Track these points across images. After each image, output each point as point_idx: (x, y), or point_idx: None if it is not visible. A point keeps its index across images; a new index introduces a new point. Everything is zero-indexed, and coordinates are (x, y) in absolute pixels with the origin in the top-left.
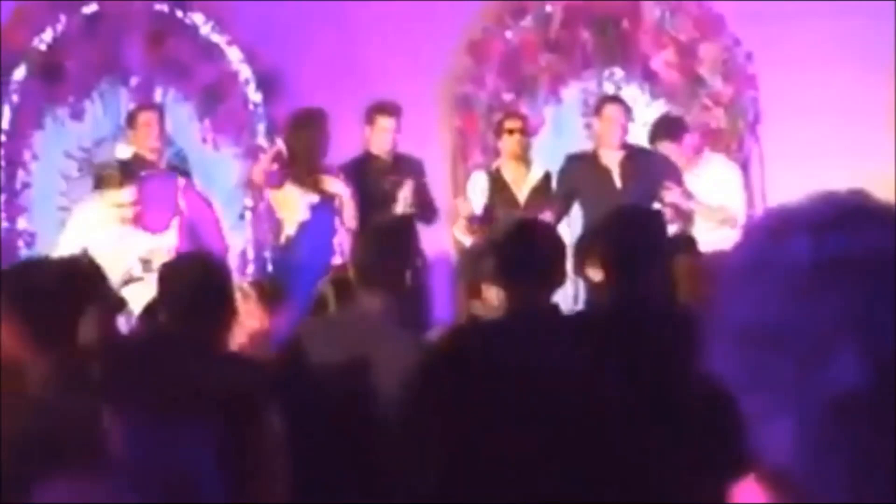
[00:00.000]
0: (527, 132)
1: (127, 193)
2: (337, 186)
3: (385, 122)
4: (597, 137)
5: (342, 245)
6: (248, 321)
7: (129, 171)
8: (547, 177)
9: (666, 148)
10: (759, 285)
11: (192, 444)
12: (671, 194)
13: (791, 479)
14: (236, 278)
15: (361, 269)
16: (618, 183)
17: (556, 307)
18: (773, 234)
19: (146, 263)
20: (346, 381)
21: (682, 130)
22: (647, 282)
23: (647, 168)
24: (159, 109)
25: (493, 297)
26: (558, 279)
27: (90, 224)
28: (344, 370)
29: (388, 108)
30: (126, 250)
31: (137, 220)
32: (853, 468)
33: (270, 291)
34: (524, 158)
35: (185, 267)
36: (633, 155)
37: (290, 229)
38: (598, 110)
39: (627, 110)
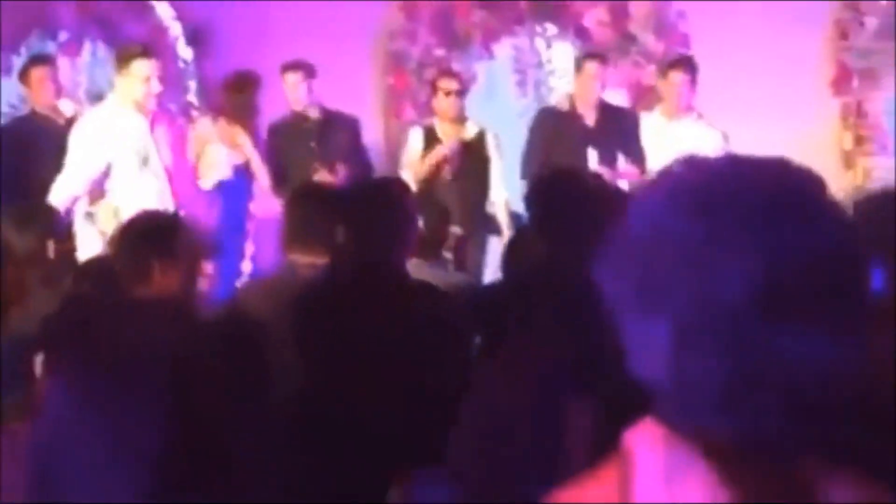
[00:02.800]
0: (463, 93)
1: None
2: (248, 149)
3: (289, 78)
4: (573, 95)
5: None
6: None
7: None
8: (481, 134)
9: (674, 79)
10: (662, 203)
11: (134, 411)
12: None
13: (663, 392)
14: None
15: (293, 230)
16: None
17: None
18: (685, 163)
19: (89, 216)
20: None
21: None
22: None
23: (620, 126)
24: (51, 62)
25: None
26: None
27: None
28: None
29: (290, 65)
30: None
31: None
32: (718, 387)
33: (207, 242)
34: (460, 118)
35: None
36: (606, 112)
37: (206, 184)
38: (577, 67)
39: (606, 66)
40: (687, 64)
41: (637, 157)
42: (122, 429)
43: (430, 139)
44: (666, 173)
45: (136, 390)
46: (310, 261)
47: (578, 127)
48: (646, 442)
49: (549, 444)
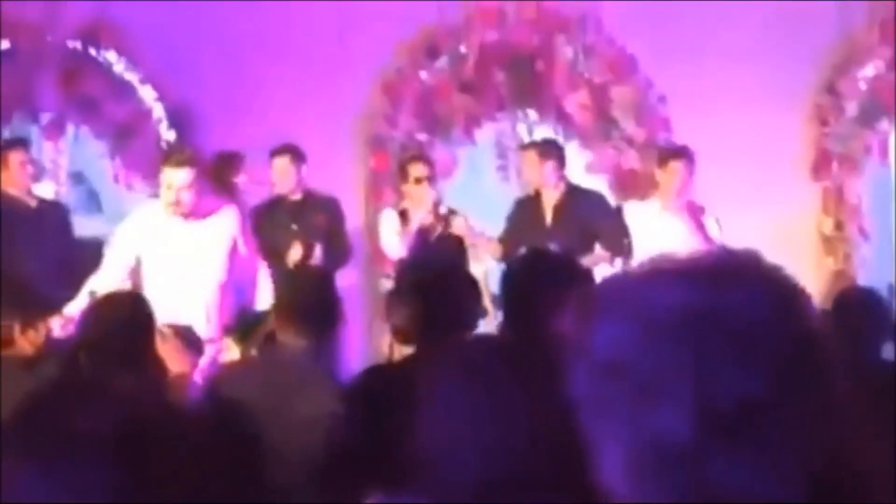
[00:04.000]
0: (432, 179)
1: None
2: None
3: (277, 163)
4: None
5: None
6: (169, 364)
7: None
8: (451, 216)
9: (674, 169)
10: (616, 321)
11: (84, 491)
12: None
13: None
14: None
15: (283, 312)
16: (549, 222)
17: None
18: (643, 278)
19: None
20: (264, 421)
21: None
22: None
23: (584, 206)
24: (28, 146)
25: None
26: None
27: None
28: (263, 411)
29: (279, 149)
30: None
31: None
32: None
33: (189, 335)
34: (432, 204)
35: (109, 307)
36: (570, 194)
37: None
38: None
39: (557, 150)
40: (686, 154)
41: (608, 239)
42: None
43: (405, 222)
44: (626, 287)
45: (91, 473)
46: (299, 342)
47: (539, 210)
48: None
49: None
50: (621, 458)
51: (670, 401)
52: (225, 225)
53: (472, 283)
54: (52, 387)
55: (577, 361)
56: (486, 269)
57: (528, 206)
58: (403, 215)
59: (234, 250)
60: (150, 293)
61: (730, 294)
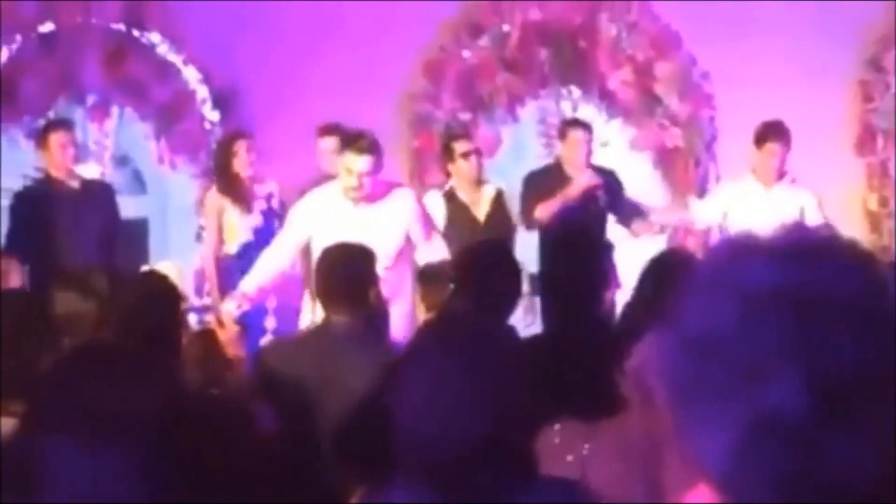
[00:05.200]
0: (481, 152)
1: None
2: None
3: (324, 144)
4: (563, 161)
5: None
6: (229, 349)
7: (41, 193)
8: (500, 193)
9: (772, 149)
10: (716, 300)
11: (119, 471)
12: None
13: (720, 486)
14: (194, 298)
15: (325, 288)
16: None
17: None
18: (737, 254)
19: None
20: (316, 395)
21: (578, 128)
22: None
23: (610, 187)
24: (71, 127)
25: None
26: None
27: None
28: (314, 386)
29: (326, 129)
30: None
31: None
32: (775, 487)
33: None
34: (478, 179)
35: (135, 285)
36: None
37: (230, 248)
38: (561, 135)
39: (590, 132)
40: (783, 132)
41: (623, 214)
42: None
43: (453, 203)
44: (717, 264)
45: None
46: (346, 319)
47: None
48: None
49: None
50: (727, 437)
51: (783, 377)
52: (400, 210)
53: (514, 269)
54: (87, 361)
55: (670, 342)
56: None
57: (552, 177)
58: (450, 195)
59: (408, 237)
60: None
61: (823, 270)
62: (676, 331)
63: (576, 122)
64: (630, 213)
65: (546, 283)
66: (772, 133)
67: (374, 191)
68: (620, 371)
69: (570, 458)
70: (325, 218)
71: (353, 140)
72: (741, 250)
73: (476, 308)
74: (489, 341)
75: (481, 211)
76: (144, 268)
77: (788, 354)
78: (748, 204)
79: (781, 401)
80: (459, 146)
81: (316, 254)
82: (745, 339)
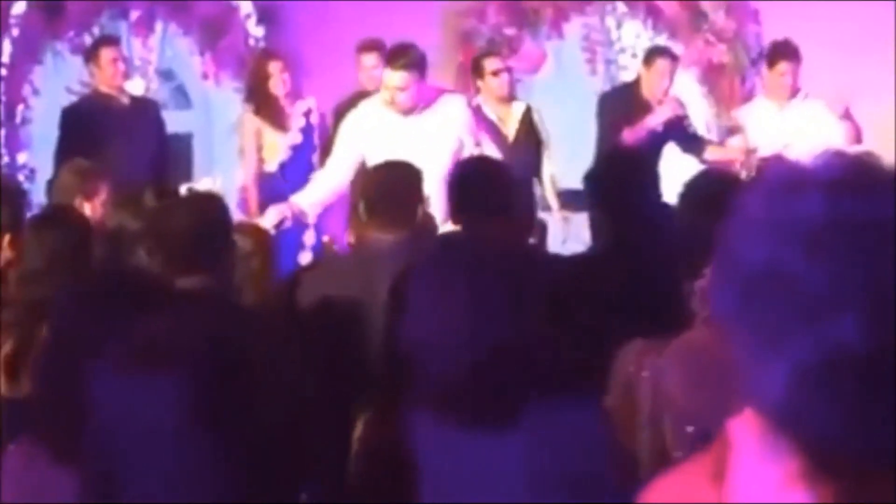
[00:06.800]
0: (511, 70)
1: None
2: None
3: (365, 60)
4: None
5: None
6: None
7: (91, 108)
8: (528, 111)
9: (783, 69)
10: (773, 236)
11: (167, 400)
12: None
13: (776, 420)
14: (237, 213)
15: (372, 206)
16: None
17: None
18: (789, 188)
19: None
20: (357, 314)
21: (669, 57)
22: None
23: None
24: (119, 43)
25: None
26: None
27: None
28: (356, 305)
29: (366, 45)
30: None
31: None
32: (836, 420)
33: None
34: (508, 97)
35: (182, 209)
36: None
37: (270, 167)
38: (647, 61)
39: (676, 61)
40: (793, 51)
41: (686, 146)
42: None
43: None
44: (770, 199)
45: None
46: (389, 237)
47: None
48: (745, 430)
49: None
50: (788, 370)
51: (849, 311)
52: (450, 117)
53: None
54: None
55: (726, 278)
56: (553, 172)
57: (630, 99)
58: (478, 110)
59: (460, 144)
60: None
61: (876, 199)
62: (734, 267)
63: (665, 51)
64: (697, 141)
65: (608, 200)
66: (781, 53)
67: (421, 99)
68: (690, 288)
69: (644, 374)
70: (375, 131)
71: (392, 56)
72: (792, 183)
73: (463, 225)
74: (490, 253)
75: (510, 128)
76: (186, 187)
77: (850, 287)
78: (764, 125)
79: (845, 334)
80: (490, 63)
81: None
82: (806, 274)
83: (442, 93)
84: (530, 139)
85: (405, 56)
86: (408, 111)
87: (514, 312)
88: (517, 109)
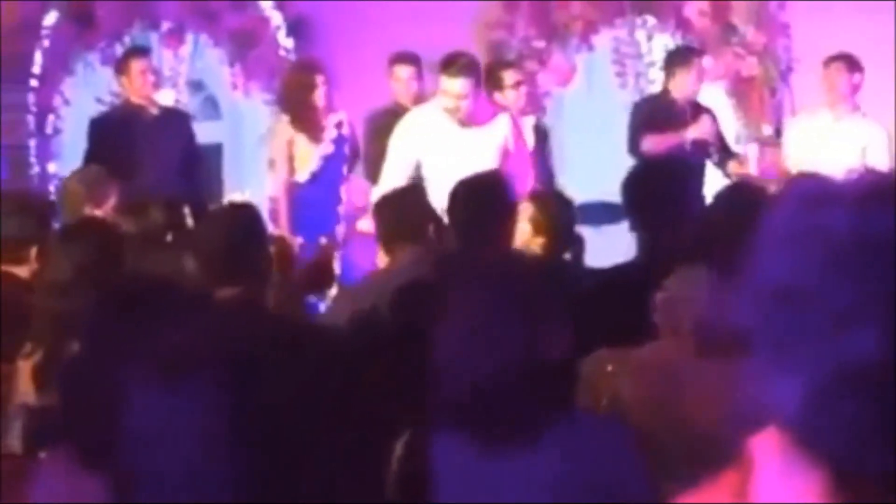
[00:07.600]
0: (523, 85)
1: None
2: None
3: (399, 72)
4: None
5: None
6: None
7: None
8: (538, 125)
9: (837, 68)
10: (797, 250)
11: (200, 409)
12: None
13: (797, 435)
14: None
15: (386, 226)
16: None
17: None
18: (815, 203)
19: None
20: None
21: (694, 56)
22: None
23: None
24: (150, 55)
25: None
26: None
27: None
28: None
29: (401, 58)
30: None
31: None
32: (855, 435)
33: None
34: (523, 110)
35: (220, 218)
36: (697, 110)
37: (301, 177)
38: (669, 63)
39: (700, 57)
40: (850, 56)
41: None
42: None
43: None
44: (798, 213)
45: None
46: (413, 257)
47: (679, 118)
48: (767, 448)
49: None
50: (809, 384)
51: (870, 327)
52: (501, 134)
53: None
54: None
55: (751, 291)
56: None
57: (661, 108)
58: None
59: (505, 156)
60: (433, 198)
61: None
62: (758, 280)
63: (686, 50)
64: (724, 154)
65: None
66: (838, 56)
67: (480, 114)
68: (652, 301)
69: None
70: (432, 139)
71: (448, 63)
72: (818, 199)
73: (465, 243)
74: (511, 272)
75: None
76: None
77: (872, 304)
78: (814, 137)
79: (866, 349)
80: (509, 76)
81: (428, 176)
82: (831, 288)
83: (497, 110)
84: (541, 153)
85: (460, 62)
86: (467, 122)
87: (531, 329)
88: (528, 123)
